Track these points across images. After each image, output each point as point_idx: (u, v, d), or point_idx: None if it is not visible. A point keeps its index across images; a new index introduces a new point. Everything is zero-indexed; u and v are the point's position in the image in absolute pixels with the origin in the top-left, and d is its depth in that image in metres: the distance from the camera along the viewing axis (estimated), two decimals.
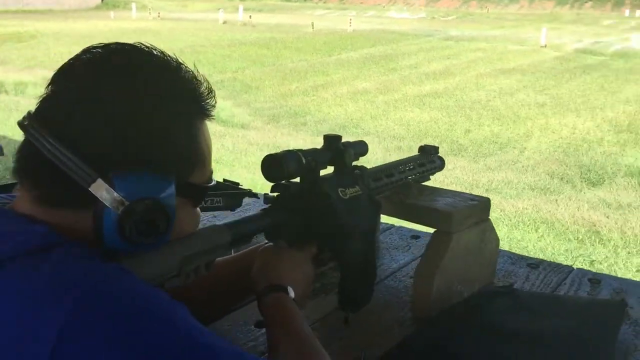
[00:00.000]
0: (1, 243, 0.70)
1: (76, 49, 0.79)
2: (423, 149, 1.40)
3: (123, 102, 0.74)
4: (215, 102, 0.84)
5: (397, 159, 1.34)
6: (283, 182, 1.03)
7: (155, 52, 0.79)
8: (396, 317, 1.24)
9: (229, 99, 11.23)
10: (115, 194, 0.71)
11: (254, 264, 1.03)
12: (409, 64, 15.44)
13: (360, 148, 1.14)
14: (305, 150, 1.04)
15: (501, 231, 5.08)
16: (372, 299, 1.15)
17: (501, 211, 5.68)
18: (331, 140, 1.10)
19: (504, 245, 3.44)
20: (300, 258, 1.03)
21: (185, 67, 0.81)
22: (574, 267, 1.48)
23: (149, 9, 29.57)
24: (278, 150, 1.02)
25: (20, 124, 0.75)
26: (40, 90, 0.78)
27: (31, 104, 0.78)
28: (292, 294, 0.97)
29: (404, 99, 11.59)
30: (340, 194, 1.06)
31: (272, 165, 0.99)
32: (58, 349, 0.60)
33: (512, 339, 1.10)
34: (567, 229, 5.70)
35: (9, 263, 0.68)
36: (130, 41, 0.81)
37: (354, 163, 1.13)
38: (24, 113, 0.76)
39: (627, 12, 28.05)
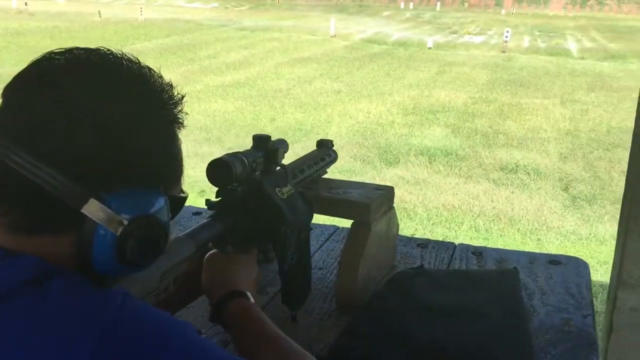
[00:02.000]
0: None
1: None
2: (321, 144, 1.43)
3: (105, 114, 0.66)
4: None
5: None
6: (228, 186, 1.00)
7: (124, 57, 0.72)
8: (324, 309, 1.27)
9: None
10: (113, 213, 0.65)
11: (203, 272, 0.99)
12: (207, 54, 15.28)
13: (286, 146, 1.15)
14: (242, 152, 1.02)
15: (321, 217, 5.29)
16: None
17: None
18: (261, 141, 1.09)
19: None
20: (248, 261, 1.02)
21: (154, 72, 0.76)
22: (456, 243, 1.63)
23: None
24: None
25: None
26: None
27: None
28: (251, 298, 0.95)
29: (207, 89, 11.48)
30: (279, 194, 1.06)
31: (220, 170, 0.96)
32: None
33: (439, 315, 1.19)
34: None
35: (8, 298, 0.59)
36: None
37: None
38: None
39: (402, 5, 30.69)
